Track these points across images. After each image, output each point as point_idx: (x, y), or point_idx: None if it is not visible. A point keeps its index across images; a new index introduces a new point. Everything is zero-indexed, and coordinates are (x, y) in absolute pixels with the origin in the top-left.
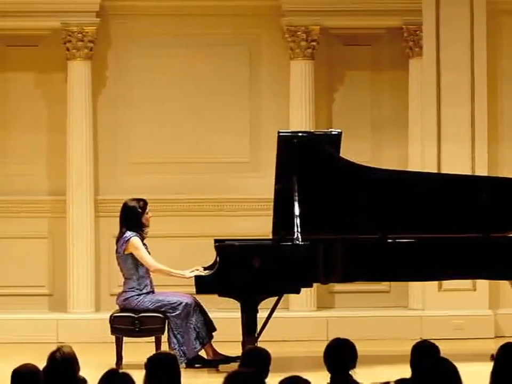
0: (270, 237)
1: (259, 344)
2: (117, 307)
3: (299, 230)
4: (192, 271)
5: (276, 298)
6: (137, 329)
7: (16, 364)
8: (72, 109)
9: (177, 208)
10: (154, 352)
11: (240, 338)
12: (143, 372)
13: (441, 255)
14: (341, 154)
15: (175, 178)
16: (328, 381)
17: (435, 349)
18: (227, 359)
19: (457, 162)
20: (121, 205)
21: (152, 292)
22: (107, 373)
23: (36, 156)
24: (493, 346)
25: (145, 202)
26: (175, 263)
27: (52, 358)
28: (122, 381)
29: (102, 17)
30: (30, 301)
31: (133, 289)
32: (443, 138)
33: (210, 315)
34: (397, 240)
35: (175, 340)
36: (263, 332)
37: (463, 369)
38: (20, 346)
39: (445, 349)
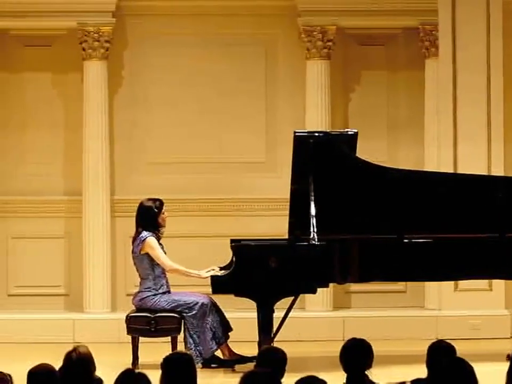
0: (286, 237)
1: (275, 344)
2: (133, 307)
3: (315, 230)
4: (208, 271)
5: (292, 298)
6: (153, 329)
7: (32, 364)
8: (88, 109)
9: (193, 208)
10: (170, 352)
11: (256, 338)
12: (159, 372)
13: (457, 255)
14: (357, 155)
15: (191, 178)
16: (344, 381)
17: (451, 349)
18: (243, 359)
19: (473, 163)
20: (137, 205)
21: (168, 291)
22: (123, 373)
23: (52, 155)
24: (509, 346)
25: (161, 202)
26: (191, 263)
27: (68, 358)
28: (138, 381)
29: (118, 17)
30: (46, 301)
31: (149, 289)
32: (459, 138)
33: (227, 315)
34: (413, 240)
35: (191, 340)
36: (279, 331)
37: (479, 369)
38: (36, 346)
39: (461, 349)
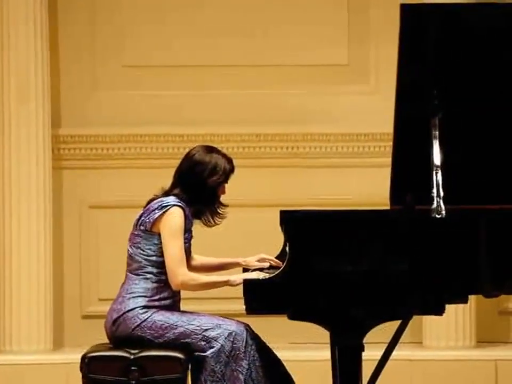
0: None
1: None
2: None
3: (441, 194)
4: (253, 270)
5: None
6: (133, 382)
7: None
8: None
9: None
10: None
11: None
12: None
13: None
14: None
15: None
16: None
17: None
18: None
19: None
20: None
21: (174, 306)
22: None
23: None
24: None
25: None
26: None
27: None
28: None
29: None
30: None
31: (140, 296)
32: None
33: (280, 357)
34: None
35: None
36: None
37: None
38: None
39: None
